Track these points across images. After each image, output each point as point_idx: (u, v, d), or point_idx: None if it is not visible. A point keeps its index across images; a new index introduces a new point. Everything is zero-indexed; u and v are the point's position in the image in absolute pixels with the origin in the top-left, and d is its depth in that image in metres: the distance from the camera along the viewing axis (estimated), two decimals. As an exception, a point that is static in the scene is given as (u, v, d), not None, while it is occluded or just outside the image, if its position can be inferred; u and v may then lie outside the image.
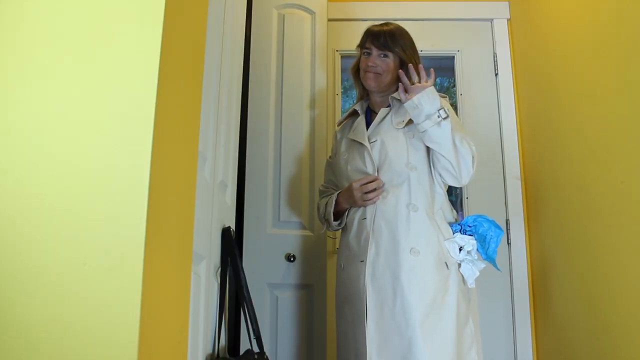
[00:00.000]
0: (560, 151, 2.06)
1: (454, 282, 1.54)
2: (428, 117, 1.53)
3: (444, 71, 2.86)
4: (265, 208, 2.12)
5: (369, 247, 1.57)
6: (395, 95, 1.69)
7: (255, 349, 1.35)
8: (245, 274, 1.42)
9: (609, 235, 1.69)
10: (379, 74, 1.71)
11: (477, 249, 1.60)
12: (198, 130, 1.05)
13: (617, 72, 1.65)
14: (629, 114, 1.57)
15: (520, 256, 2.37)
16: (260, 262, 2.05)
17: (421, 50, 2.64)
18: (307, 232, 2.12)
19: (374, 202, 1.61)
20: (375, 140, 1.66)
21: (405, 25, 2.64)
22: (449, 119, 1.53)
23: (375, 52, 1.72)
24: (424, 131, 1.55)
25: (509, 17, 2.62)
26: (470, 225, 1.62)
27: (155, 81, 0.76)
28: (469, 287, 1.59)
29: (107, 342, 0.69)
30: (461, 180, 1.59)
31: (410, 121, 1.62)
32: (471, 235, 1.59)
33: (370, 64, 1.72)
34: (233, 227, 1.56)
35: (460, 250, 1.57)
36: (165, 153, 0.80)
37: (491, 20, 2.63)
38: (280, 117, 2.25)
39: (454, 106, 2.64)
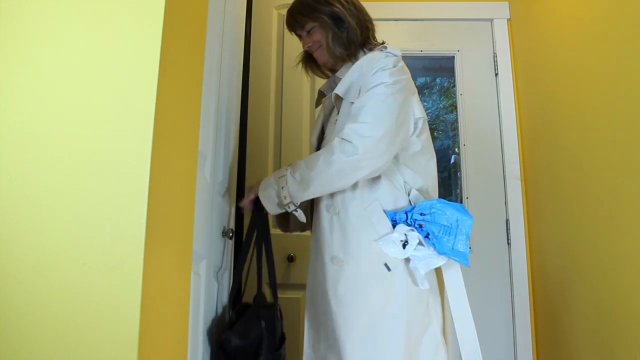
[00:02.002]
0: (560, 151, 2.06)
1: (399, 286, 1.28)
2: (282, 205, 1.32)
3: (444, 71, 2.86)
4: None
5: (310, 255, 1.45)
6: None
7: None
8: (245, 275, 1.43)
9: (609, 235, 1.69)
10: (317, 50, 1.50)
11: (432, 243, 1.30)
12: (198, 130, 1.05)
13: (617, 72, 1.65)
14: (629, 113, 1.57)
15: (520, 256, 2.37)
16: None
17: (421, 50, 2.65)
18: (307, 232, 2.12)
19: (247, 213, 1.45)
20: (320, 129, 1.53)
21: (405, 25, 2.66)
22: (293, 187, 1.29)
23: (300, 32, 1.52)
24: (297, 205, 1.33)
25: (509, 17, 2.62)
26: (423, 213, 1.30)
27: (155, 81, 0.76)
28: (421, 288, 1.30)
29: (107, 342, 0.69)
30: (366, 170, 1.27)
31: (341, 99, 1.40)
32: (411, 227, 1.30)
33: (305, 47, 1.53)
34: (233, 227, 1.55)
35: (404, 246, 1.28)
36: (165, 153, 0.80)
37: (491, 20, 2.63)
38: (280, 116, 2.25)
39: (454, 106, 2.64)
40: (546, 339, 2.21)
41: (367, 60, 1.39)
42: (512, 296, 2.35)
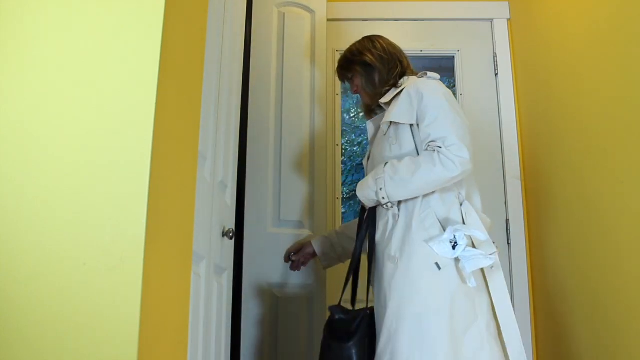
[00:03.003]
0: (560, 151, 2.06)
1: (446, 284, 1.42)
2: (379, 202, 1.54)
3: (444, 71, 2.86)
4: (266, 207, 2.12)
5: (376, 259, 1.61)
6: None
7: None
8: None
9: (609, 235, 1.69)
10: (360, 93, 1.79)
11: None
12: (198, 130, 1.05)
13: (617, 72, 1.65)
14: (629, 113, 1.57)
15: (520, 256, 2.37)
16: (260, 261, 2.05)
17: (421, 50, 2.65)
18: (307, 231, 2.12)
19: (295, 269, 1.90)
20: (369, 150, 1.76)
21: (405, 25, 2.65)
22: (391, 188, 1.49)
23: (348, 82, 1.84)
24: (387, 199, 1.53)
25: (509, 17, 2.62)
26: None
27: (155, 81, 0.76)
28: (471, 285, 1.43)
29: (107, 342, 0.69)
30: (453, 182, 1.49)
31: (390, 125, 1.61)
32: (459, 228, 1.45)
33: (352, 92, 1.83)
34: (233, 227, 1.56)
35: (454, 247, 1.43)
36: (165, 153, 0.80)
37: (491, 20, 2.63)
38: (280, 116, 2.25)
39: (454, 106, 2.64)
40: (546, 339, 2.21)
41: (412, 85, 1.60)
42: (512, 296, 2.35)
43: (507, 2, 2.63)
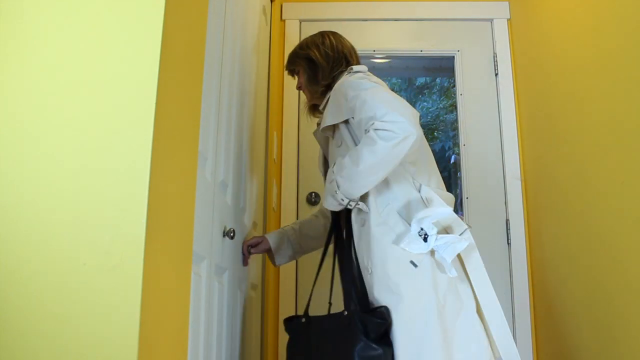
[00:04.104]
0: (560, 151, 2.06)
1: (426, 279, 1.36)
2: (338, 204, 1.43)
3: (444, 71, 2.86)
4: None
5: None
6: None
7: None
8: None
9: (609, 235, 1.69)
10: (303, 90, 1.75)
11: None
12: (198, 130, 1.05)
13: (617, 72, 1.65)
14: (629, 113, 1.57)
15: (520, 256, 2.37)
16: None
17: (421, 50, 2.65)
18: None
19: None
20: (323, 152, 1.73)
21: (405, 25, 2.65)
22: (345, 186, 1.40)
23: (295, 77, 1.80)
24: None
25: (509, 17, 2.62)
26: None
27: (155, 81, 0.76)
28: (451, 275, 1.37)
29: (107, 342, 0.69)
30: (406, 148, 1.33)
31: (332, 128, 1.56)
32: (424, 215, 1.37)
33: (296, 88, 1.79)
34: (234, 227, 1.56)
35: (425, 239, 1.34)
36: (165, 153, 0.80)
37: (491, 20, 2.63)
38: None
39: (454, 106, 2.64)
40: (546, 339, 2.21)
41: (337, 83, 1.56)
42: (512, 296, 2.35)
43: (507, 2, 2.63)
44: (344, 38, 1.73)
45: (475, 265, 1.42)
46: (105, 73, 0.77)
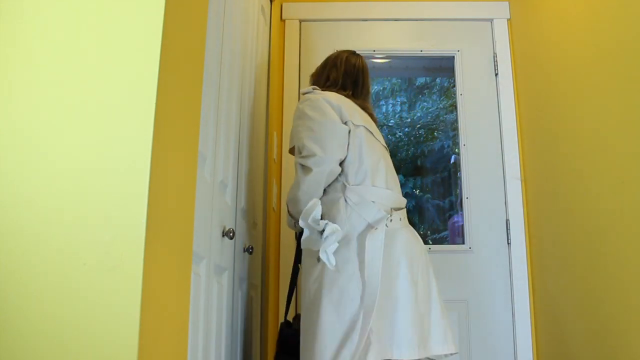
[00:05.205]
0: (560, 151, 2.06)
1: (319, 271, 1.52)
2: (298, 227, 1.63)
3: (444, 71, 2.86)
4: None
5: None
6: None
7: None
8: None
9: (609, 235, 1.69)
10: None
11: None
12: (198, 130, 1.05)
13: (616, 71, 1.65)
14: (629, 113, 1.57)
15: (520, 256, 2.37)
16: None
17: (421, 50, 2.66)
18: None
19: None
20: None
21: (405, 25, 2.65)
22: (293, 211, 1.66)
23: None
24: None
25: (509, 17, 2.62)
26: None
27: (155, 81, 0.76)
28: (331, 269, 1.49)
29: (107, 342, 0.69)
30: (324, 175, 1.59)
31: None
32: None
33: None
34: (233, 227, 1.55)
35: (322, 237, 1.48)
36: (165, 153, 0.80)
37: (491, 20, 2.63)
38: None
39: (454, 106, 2.64)
40: (546, 339, 2.21)
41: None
42: (512, 296, 2.35)
43: (507, 2, 2.63)
44: (355, 59, 1.86)
45: (374, 244, 1.50)
46: (105, 73, 0.77)
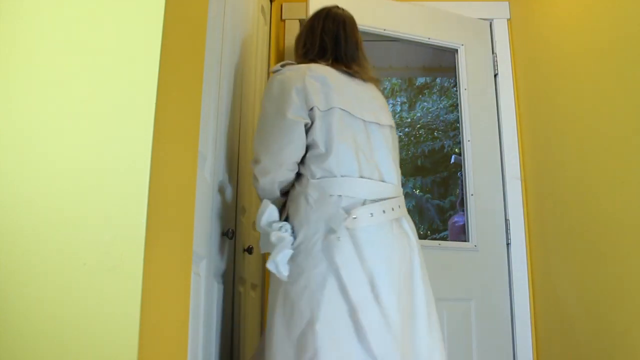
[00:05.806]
0: (560, 151, 2.06)
1: (278, 282, 1.36)
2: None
3: (444, 71, 2.85)
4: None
5: None
6: None
7: None
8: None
9: (609, 235, 1.69)
10: None
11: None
12: (198, 130, 1.05)
13: (616, 72, 1.65)
14: (629, 113, 1.57)
15: (520, 256, 2.37)
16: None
17: (428, 38, 2.62)
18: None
19: None
20: None
21: (416, 9, 2.62)
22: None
23: None
24: None
25: (509, 17, 2.62)
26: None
27: (155, 81, 0.76)
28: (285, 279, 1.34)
29: (107, 342, 0.69)
30: (272, 184, 1.45)
31: None
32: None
33: None
34: (233, 227, 1.56)
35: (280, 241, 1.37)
36: (165, 153, 0.80)
37: (491, 20, 2.63)
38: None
39: (454, 106, 2.63)
40: (546, 339, 2.21)
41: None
42: (512, 296, 2.35)
43: (507, 2, 2.63)
44: (344, 15, 1.60)
45: (347, 254, 1.33)
46: (106, 73, 0.77)
